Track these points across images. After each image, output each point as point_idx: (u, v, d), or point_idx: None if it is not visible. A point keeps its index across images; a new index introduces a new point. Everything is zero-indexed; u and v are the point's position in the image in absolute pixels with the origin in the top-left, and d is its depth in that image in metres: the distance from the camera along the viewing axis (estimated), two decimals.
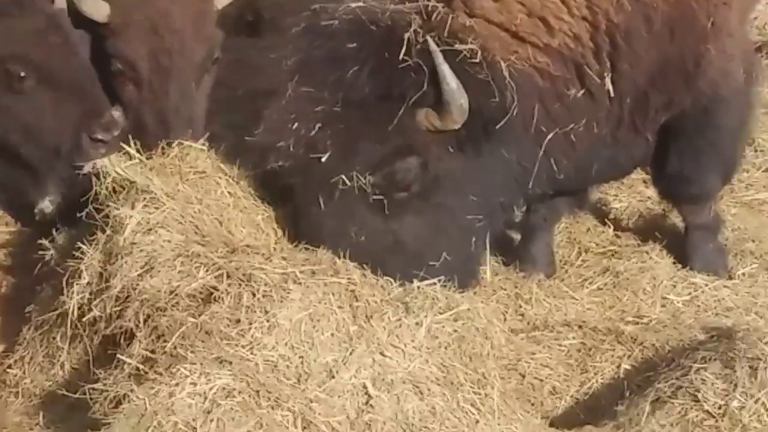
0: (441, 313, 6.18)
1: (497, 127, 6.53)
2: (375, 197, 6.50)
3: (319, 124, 6.47)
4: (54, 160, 7.36)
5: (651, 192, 8.43)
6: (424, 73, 6.41)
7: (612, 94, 6.95)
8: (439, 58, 6.36)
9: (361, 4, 6.68)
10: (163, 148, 7.03)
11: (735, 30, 7.50)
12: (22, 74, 6.93)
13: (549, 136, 6.82)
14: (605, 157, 7.24)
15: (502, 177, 6.85)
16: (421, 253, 6.63)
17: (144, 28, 7.28)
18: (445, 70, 6.35)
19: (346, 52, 6.52)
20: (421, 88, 6.41)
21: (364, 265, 6.39)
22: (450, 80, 6.36)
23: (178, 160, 6.98)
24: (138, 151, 6.98)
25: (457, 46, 6.49)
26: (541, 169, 6.91)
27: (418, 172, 6.56)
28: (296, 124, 6.51)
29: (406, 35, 6.44)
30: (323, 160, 6.44)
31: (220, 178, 7.00)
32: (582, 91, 6.88)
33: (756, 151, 9.42)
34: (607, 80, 6.91)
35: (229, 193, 6.95)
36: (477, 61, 6.50)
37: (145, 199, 6.64)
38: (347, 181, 6.42)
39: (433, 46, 6.39)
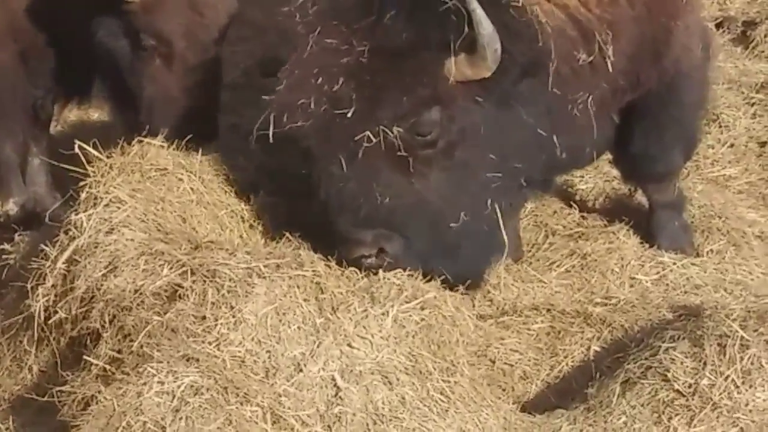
0: (407, 302, 6.14)
1: (540, 70, 6.36)
2: (400, 154, 6.21)
3: (342, 78, 6.18)
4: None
5: (617, 172, 8.40)
6: (464, 16, 6.09)
7: (611, 68, 6.77)
8: (473, 3, 6.04)
9: None
10: (122, 146, 6.99)
11: (697, 5, 7.49)
12: None
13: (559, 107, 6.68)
14: (592, 139, 7.09)
15: (519, 140, 6.56)
16: (444, 212, 6.38)
17: (180, 5, 7.41)
18: (479, 13, 6.03)
19: None
20: (462, 33, 6.11)
21: (329, 257, 6.35)
22: (486, 24, 6.04)
23: (139, 158, 6.93)
24: (98, 150, 6.93)
25: None
26: (544, 148, 6.72)
27: (444, 126, 6.28)
28: (319, 79, 6.22)
29: None
30: (349, 115, 6.14)
31: (182, 174, 6.95)
32: (590, 59, 6.69)
33: (721, 126, 9.46)
34: (611, 50, 6.71)
35: (191, 189, 6.90)
36: (519, 4, 6.28)
37: (106, 198, 6.61)
38: (372, 138, 6.12)
39: None
